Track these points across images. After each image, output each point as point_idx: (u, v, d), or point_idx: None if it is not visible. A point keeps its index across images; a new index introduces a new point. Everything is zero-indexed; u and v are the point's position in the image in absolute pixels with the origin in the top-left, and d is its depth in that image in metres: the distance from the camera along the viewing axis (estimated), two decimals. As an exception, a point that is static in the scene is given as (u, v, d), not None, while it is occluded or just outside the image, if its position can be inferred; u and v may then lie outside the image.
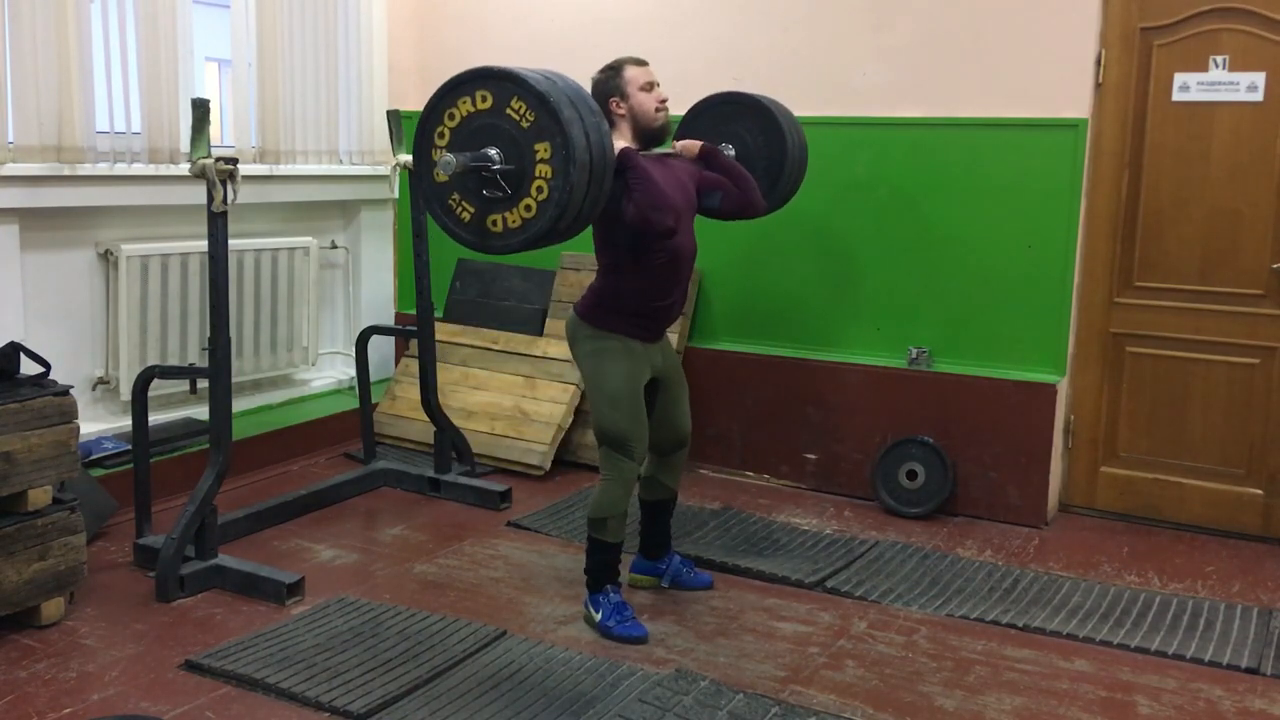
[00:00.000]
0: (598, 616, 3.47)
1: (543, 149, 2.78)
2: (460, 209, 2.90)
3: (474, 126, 2.85)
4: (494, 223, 2.84)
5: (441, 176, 2.82)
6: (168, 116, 4.56)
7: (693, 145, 3.70)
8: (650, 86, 3.47)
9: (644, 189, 3.24)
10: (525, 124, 2.79)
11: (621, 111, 3.45)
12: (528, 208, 2.79)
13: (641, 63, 3.51)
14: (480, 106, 2.84)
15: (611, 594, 3.49)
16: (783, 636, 3.50)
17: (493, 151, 2.82)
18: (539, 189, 2.76)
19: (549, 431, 4.98)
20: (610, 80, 3.47)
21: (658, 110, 3.47)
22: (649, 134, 3.49)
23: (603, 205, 3.07)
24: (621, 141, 3.43)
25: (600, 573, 3.51)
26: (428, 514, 4.53)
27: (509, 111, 2.80)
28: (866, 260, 4.83)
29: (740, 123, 3.98)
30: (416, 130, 3.00)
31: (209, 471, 3.76)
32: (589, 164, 2.82)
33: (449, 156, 2.75)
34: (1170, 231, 4.43)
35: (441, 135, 2.89)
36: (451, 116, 2.89)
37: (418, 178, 3.02)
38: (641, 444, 3.47)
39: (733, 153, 3.93)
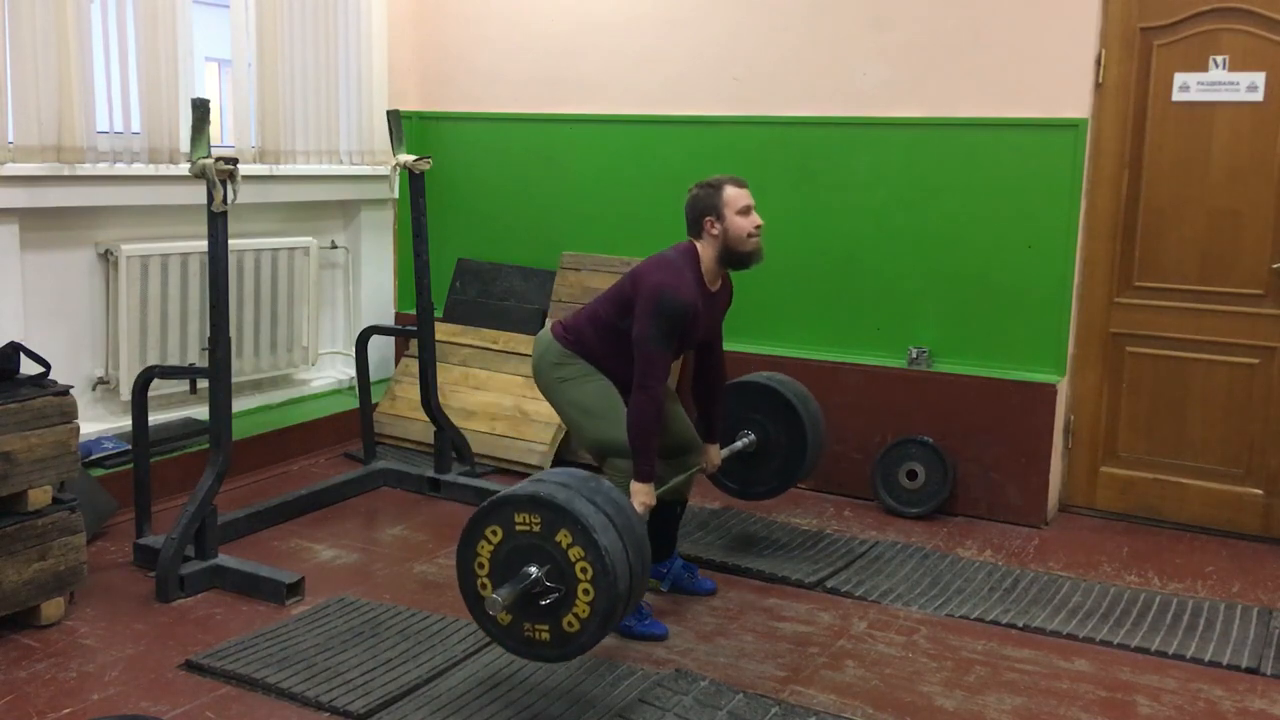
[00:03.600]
0: None
1: (564, 538, 2.78)
2: (535, 632, 2.85)
3: (505, 553, 2.84)
4: (569, 624, 2.80)
5: (505, 618, 2.83)
6: (168, 116, 4.56)
7: (716, 464, 3.82)
8: (748, 210, 3.45)
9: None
10: (536, 529, 2.80)
11: (715, 232, 3.45)
12: (585, 591, 2.78)
13: (742, 184, 3.49)
14: (495, 541, 2.84)
15: None
16: (783, 636, 3.50)
17: (531, 569, 2.80)
18: (583, 570, 2.76)
19: (549, 431, 4.98)
20: (709, 198, 3.45)
21: (750, 236, 3.45)
22: (736, 257, 3.48)
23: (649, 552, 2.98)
24: (705, 254, 3.46)
25: None
26: (428, 514, 4.53)
27: (519, 528, 2.81)
28: (866, 260, 4.83)
29: (763, 412, 3.98)
30: (461, 588, 2.93)
31: (209, 471, 3.75)
32: (610, 523, 2.81)
33: (493, 596, 2.76)
34: (1170, 232, 4.43)
35: (484, 573, 2.87)
36: (480, 566, 2.87)
37: (479, 620, 2.92)
38: None
39: (752, 439, 3.95)
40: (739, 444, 3.95)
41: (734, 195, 3.45)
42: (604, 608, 2.76)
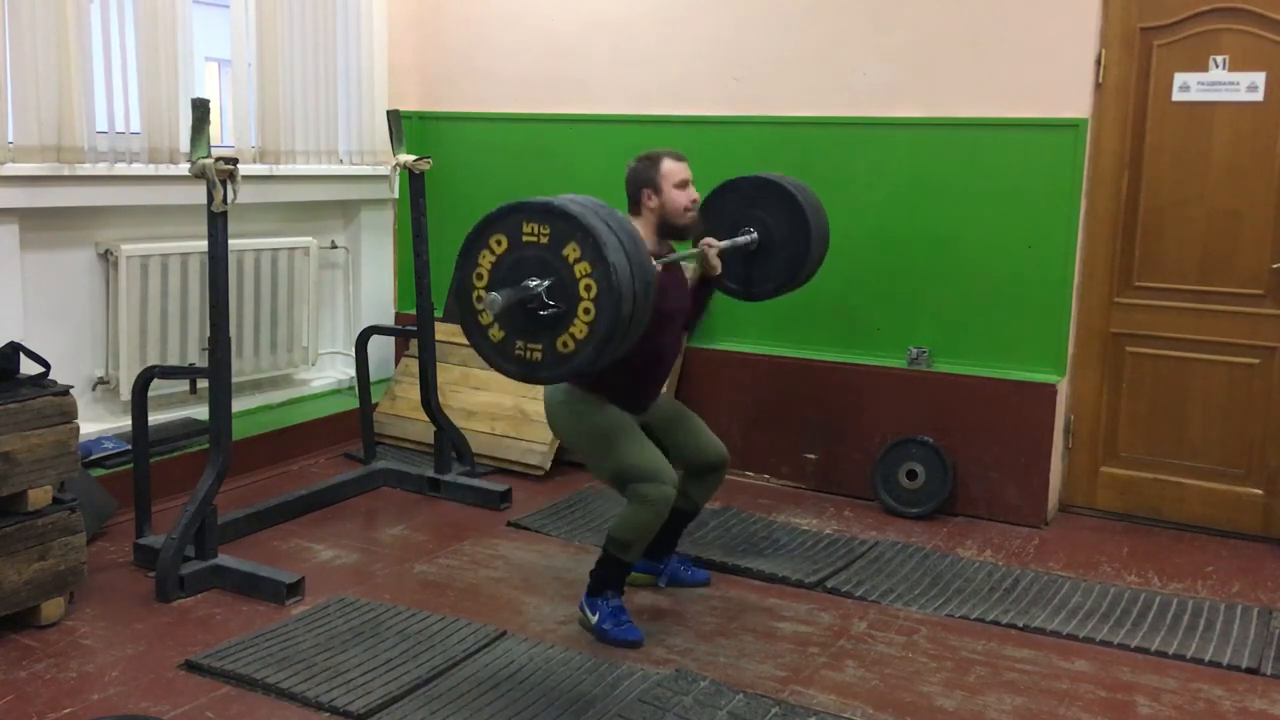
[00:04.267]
0: (594, 619, 3.46)
1: (572, 251, 2.70)
2: (528, 351, 2.79)
3: (508, 265, 2.76)
4: (564, 344, 2.73)
5: (498, 335, 2.75)
6: (168, 116, 4.56)
7: (715, 265, 3.65)
8: (685, 184, 3.47)
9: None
10: (544, 240, 2.72)
11: (652, 205, 3.46)
12: (586, 311, 2.70)
13: (680, 158, 3.50)
14: (498, 251, 2.76)
15: (611, 598, 3.48)
16: (783, 636, 3.50)
17: (533, 282, 2.72)
18: (587, 288, 2.68)
19: (549, 431, 4.97)
20: (646, 171, 3.47)
21: (686, 210, 3.47)
22: (673, 230, 3.49)
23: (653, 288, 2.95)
24: (644, 228, 3.44)
25: (606, 582, 3.49)
26: (428, 514, 4.53)
27: (525, 238, 2.72)
28: (866, 260, 4.83)
29: (767, 209, 3.91)
30: (457, 309, 2.86)
31: (209, 471, 3.76)
32: (620, 245, 2.74)
33: (494, 295, 2.69)
34: (1170, 232, 4.43)
35: (481, 284, 2.80)
36: (479, 276, 2.81)
37: (472, 335, 2.89)
38: (664, 464, 3.39)
39: (754, 236, 3.89)
40: (741, 239, 3.85)
41: (671, 169, 3.46)
42: (604, 330, 2.65)
